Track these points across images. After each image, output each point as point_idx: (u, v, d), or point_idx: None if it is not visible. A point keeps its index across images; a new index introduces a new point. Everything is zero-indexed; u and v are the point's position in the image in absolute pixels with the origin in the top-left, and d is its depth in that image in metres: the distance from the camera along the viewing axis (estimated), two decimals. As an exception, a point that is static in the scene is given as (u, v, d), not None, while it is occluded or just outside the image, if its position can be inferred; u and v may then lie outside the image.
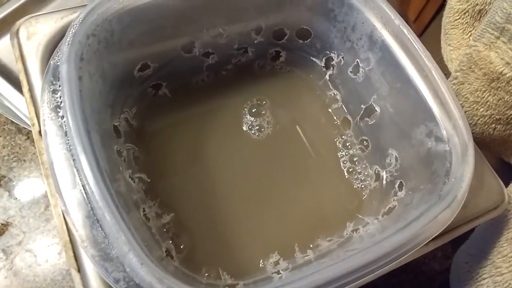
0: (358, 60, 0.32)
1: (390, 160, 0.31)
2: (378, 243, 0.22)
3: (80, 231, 0.20)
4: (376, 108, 0.32)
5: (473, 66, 0.30)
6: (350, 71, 0.33)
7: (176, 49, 0.32)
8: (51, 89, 0.23)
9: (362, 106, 0.33)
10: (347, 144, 0.35)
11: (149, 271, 0.19)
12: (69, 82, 0.22)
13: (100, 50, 0.26)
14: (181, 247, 0.28)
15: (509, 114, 0.30)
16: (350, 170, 0.34)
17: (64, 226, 0.23)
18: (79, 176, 0.21)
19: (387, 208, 0.29)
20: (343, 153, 0.34)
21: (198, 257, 0.28)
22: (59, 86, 0.23)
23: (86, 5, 0.25)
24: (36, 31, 0.27)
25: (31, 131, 0.43)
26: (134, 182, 0.28)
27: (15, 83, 0.41)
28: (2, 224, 0.41)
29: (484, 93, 0.31)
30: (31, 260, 0.40)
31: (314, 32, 0.34)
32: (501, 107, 0.30)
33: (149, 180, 0.30)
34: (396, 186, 0.30)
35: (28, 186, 0.43)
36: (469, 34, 0.35)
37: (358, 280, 0.21)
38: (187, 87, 0.35)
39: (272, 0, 0.32)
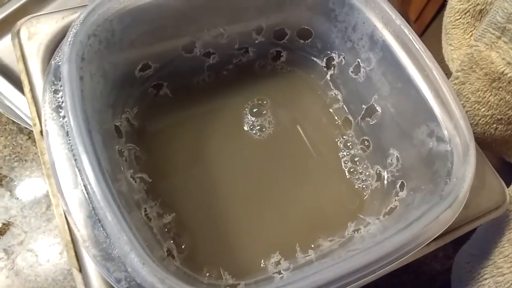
0: (359, 60, 0.32)
1: (391, 160, 0.31)
2: (380, 243, 0.22)
3: (82, 231, 0.20)
4: (377, 108, 0.32)
5: (474, 66, 0.30)
6: (351, 71, 0.33)
7: (177, 49, 0.32)
8: (53, 89, 0.23)
9: (363, 106, 0.33)
10: (348, 144, 0.35)
11: (151, 271, 0.19)
12: (71, 82, 0.22)
13: (101, 50, 0.26)
14: (183, 247, 0.28)
15: (510, 114, 0.30)
16: (351, 170, 0.34)
17: (66, 226, 0.23)
18: (80, 176, 0.21)
19: (389, 208, 0.29)
20: (344, 153, 0.34)
21: (200, 257, 0.28)
22: (61, 86, 0.23)
23: (87, 5, 0.25)
24: (37, 31, 0.28)
25: (32, 131, 0.43)
26: (135, 182, 0.28)
27: (16, 83, 0.41)
28: (3, 224, 0.41)
29: (486, 93, 0.31)
30: (32, 260, 0.40)
31: (315, 32, 0.34)
32: (502, 107, 0.30)
33: (150, 180, 0.30)
34: (398, 186, 0.30)
35: (29, 186, 0.43)
36: (470, 34, 0.35)
37: (360, 280, 0.21)
38: (188, 87, 0.35)
39: (273, 0, 0.32)
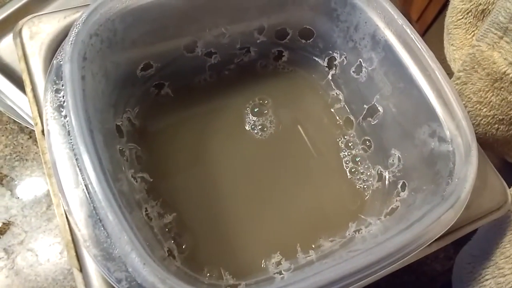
0: (361, 60, 0.32)
1: (392, 160, 0.31)
2: (381, 244, 0.22)
3: (83, 230, 0.20)
4: (379, 108, 0.32)
5: (476, 66, 0.30)
6: (353, 71, 0.33)
7: (179, 49, 0.32)
8: (54, 89, 0.23)
9: (364, 106, 0.33)
10: (350, 144, 0.35)
11: (152, 271, 0.19)
12: (72, 82, 0.22)
13: (103, 49, 0.26)
14: (183, 247, 0.28)
15: (512, 115, 0.30)
16: (353, 170, 0.34)
17: (67, 226, 0.23)
18: (81, 176, 0.21)
19: (390, 208, 0.29)
20: (346, 153, 0.34)
21: (200, 257, 0.28)
22: (62, 86, 0.23)
23: (88, 4, 0.25)
24: (39, 30, 0.28)
25: (33, 130, 0.43)
26: (136, 181, 0.28)
27: (18, 82, 0.41)
28: (3, 223, 0.41)
29: (487, 93, 0.31)
30: (32, 259, 0.40)
31: (317, 31, 0.34)
32: (504, 107, 0.30)
33: (151, 180, 0.30)
34: (399, 186, 0.30)
35: (30, 186, 0.43)
36: (472, 34, 0.35)
37: (361, 281, 0.21)
38: (189, 86, 0.35)
39: (275, 0, 0.32)
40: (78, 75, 0.23)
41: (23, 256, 0.40)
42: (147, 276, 0.19)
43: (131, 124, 0.31)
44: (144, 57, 0.30)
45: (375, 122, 0.33)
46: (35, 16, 0.28)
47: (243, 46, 0.34)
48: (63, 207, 0.21)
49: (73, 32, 0.24)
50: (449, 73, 0.33)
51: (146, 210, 0.27)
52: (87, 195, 0.21)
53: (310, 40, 0.35)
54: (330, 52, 0.35)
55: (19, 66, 0.27)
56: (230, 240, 0.30)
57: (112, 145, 0.27)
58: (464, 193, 0.24)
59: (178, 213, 0.29)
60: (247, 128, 0.34)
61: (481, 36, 0.29)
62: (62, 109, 0.23)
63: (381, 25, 0.29)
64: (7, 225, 0.41)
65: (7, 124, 0.45)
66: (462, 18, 0.35)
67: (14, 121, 0.44)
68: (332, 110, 0.36)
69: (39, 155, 0.43)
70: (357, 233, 0.29)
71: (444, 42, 0.38)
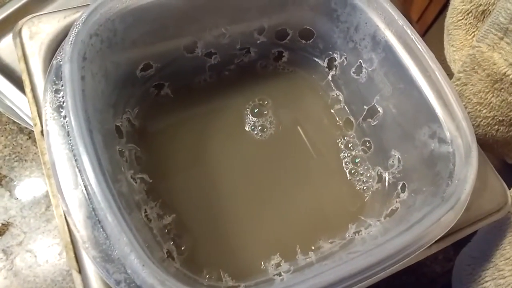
0: (361, 61, 0.32)
1: (392, 161, 0.31)
2: (381, 246, 0.22)
3: (82, 232, 0.20)
4: (379, 109, 0.32)
5: (476, 67, 0.30)
6: (353, 72, 0.33)
7: (179, 49, 0.32)
8: (54, 89, 0.23)
9: (364, 107, 0.33)
10: (350, 145, 0.35)
11: (151, 273, 0.19)
12: (72, 82, 0.22)
13: (103, 49, 0.26)
14: (183, 248, 0.28)
15: (512, 116, 0.30)
16: (352, 171, 0.34)
17: (66, 227, 0.22)
18: (81, 177, 0.21)
19: (390, 210, 0.29)
20: (345, 154, 0.34)
21: (200, 259, 0.28)
22: (62, 86, 0.23)
23: (88, 4, 0.25)
24: (39, 30, 0.27)
25: (32, 131, 0.43)
26: (136, 182, 0.28)
27: (17, 82, 0.41)
28: (2, 224, 0.41)
29: (487, 94, 0.31)
30: (31, 260, 0.39)
31: (317, 32, 0.34)
32: (504, 108, 0.30)
33: (151, 181, 0.29)
34: (399, 187, 0.30)
35: (29, 186, 0.43)
36: (472, 35, 0.35)
37: (360, 283, 0.21)
38: (189, 87, 0.35)
39: (275, 0, 0.32)
40: (78, 75, 0.23)
41: (22, 257, 0.39)
42: (146, 277, 0.19)
43: (131, 124, 0.31)
44: (144, 57, 0.30)
45: (375, 123, 0.33)
46: (34, 16, 0.28)
47: (243, 47, 0.34)
48: (62, 208, 0.21)
49: (73, 32, 0.24)
50: (449, 74, 0.33)
51: (146, 211, 0.27)
52: (86, 196, 0.21)
53: (310, 41, 0.35)
54: (330, 52, 0.35)
55: (18, 66, 0.27)
56: (229, 242, 0.30)
57: (112, 146, 0.26)
58: (464, 195, 0.24)
59: (177, 214, 0.29)
60: (247, 128, 0.34)
61: (482, 37, 0.29)
62: (62, 110, 0.22)
63: (381, 25, 0.29)
64: (6, 226, 0.40)
65: (6, 125, 0.45)
66: (462, 19, 0.35)
67: (14, 121, 0.44)
68: (332, 111, 0.36)
69: (38, 155, 0.43)
70: (357, 234, 0.29)
71: (444, 43, 0.38)
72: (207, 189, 0.31)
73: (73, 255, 0.22)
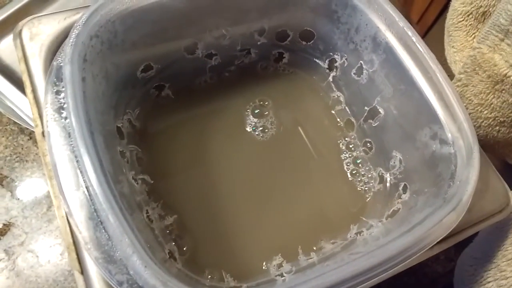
0: (362, 62, 0.32)
1: (394, 162, 0.31)
2: (383, 247, 0.22)
3: (84, 233, 0.20)
4: (379, 110, 0.32)
5: (477, 68, 0.30)
6: (354, 73, 0.33)
7: (179, 51, 0.32)
8: (55, 90, 0.23)
9: (365, 108, 0.33)
10: (351, 146, 0.35)
11: (153, 274, 0.19)
12: (73, 83, 0.22)
13: (103, 51, 0.26)
14: (184, 249, 0.28)
15: (513, 117, 0.30)
16: (354, 172, 0.34)
17: (68, 228, 0.22)
18: (82, 178, 0.21)
19: (391, 210, 0.29)
20: (347, 155, 0.34)
21: (201, 259, 0.28)
22: (63, 87, 0.23)
23: (89, 6, 0.25)
24: (39, 32, 0.27)
25: (33, 131, 0.43)
26: (137, 183, 0.28)
27: (18, 83, 0.41)
28: (4, 224, 0.41)
29: (488, 96, 0.31)
30: (33, 260, 0.39)
31: (318, 33, 0.34)
32: (505, 109, 0.30)
33: (152, 182, 0.29)
34: (400, 188, 0.30)
35: (30, 187, 0.43)
36: (473, 36, 0.35)
37: (362, 284, 0.21)
38: (190, 88, 0.35)
39: (275, 2, 0.32)
40: (79, 76, 0.23)
41: (24, 257, 0.39)
42: (148, 278, 0.19)
43: (132, 125, 0.31)
44: (144, 59, 0.30)
45: (376, 124, 0.33)
46: (35, 17, 0.28)
47: (244, 48, 0.34)
48: (63, 209, 0.21)
49: (73, 33, 0.24)
50: (450, 75, 0.33)
51: (147, 212, 0.27)
52: (88, 197, 0.21)
53: (311, 42, 0.35)
54: (331, 54, 0.35)
55: (19, 67, 0.27)
56: (231, 242, 0.30)
57: (113, 147, 0.26)
58: (466, 196, 0.24)
59: (179, 215, 0.29)
60: (247, 129, 0.34)
61: (482, 38, 0.29)
62: (63, 111, 0.22)
63: (382, 27, 0.29)
64: (8, 226, 0.40)
65: (7, 125, 0.45)
66: (463, 20, 0.35)
67: (14, 122, 0.44)
68: (333, 112, 0.36)
69: (39, 156, 0.43)
70: (358, 235, 0.29)
71: (445, 44, 0.38)
72: (209, 189, 0.31)
73: (75, 256, 0.22)
